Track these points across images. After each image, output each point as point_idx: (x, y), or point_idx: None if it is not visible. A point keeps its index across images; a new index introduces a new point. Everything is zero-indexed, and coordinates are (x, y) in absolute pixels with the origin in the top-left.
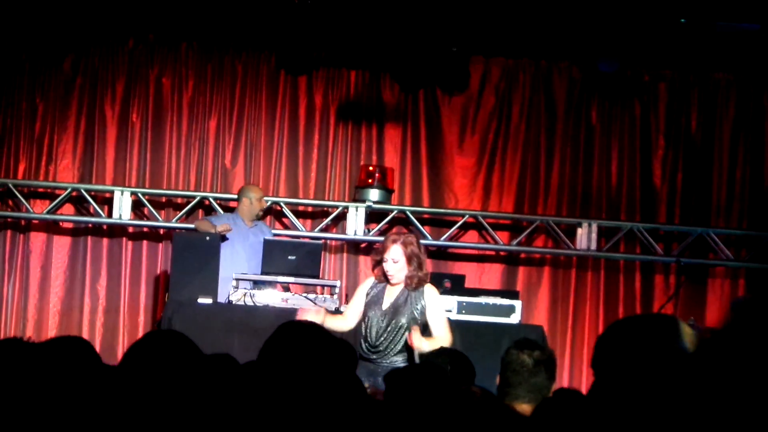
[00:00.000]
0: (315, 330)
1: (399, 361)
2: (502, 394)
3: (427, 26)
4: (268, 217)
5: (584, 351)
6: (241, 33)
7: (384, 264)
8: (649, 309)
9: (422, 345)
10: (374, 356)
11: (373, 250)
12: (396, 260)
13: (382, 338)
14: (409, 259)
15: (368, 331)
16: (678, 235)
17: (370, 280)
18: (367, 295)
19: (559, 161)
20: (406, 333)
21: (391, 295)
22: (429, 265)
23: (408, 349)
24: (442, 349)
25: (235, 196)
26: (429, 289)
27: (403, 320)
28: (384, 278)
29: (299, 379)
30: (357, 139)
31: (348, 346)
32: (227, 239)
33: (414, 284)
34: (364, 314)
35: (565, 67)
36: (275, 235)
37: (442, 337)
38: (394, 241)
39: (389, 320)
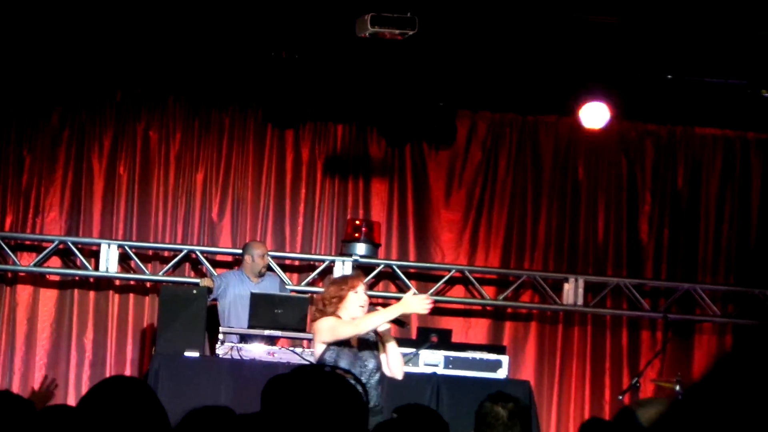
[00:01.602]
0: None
1: (374, 402)
2: None
3: (414, 81)
4: None
5: (571, 406)
6: (228, 86)
7: (360, 298)
8: (635, 364)
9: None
10: None
11: (332, 287)
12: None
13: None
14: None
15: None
16: (665, 290)
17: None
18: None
19: (545, 216)
20: (376, 376)
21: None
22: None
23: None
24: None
25: (222, 250)
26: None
27: (371, 362)
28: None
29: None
30: (344, 192)
31: (359, 399)
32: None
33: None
34: (334, 363)
35: (551, 121)
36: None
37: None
38: (360, 276)
39: (362, 363)
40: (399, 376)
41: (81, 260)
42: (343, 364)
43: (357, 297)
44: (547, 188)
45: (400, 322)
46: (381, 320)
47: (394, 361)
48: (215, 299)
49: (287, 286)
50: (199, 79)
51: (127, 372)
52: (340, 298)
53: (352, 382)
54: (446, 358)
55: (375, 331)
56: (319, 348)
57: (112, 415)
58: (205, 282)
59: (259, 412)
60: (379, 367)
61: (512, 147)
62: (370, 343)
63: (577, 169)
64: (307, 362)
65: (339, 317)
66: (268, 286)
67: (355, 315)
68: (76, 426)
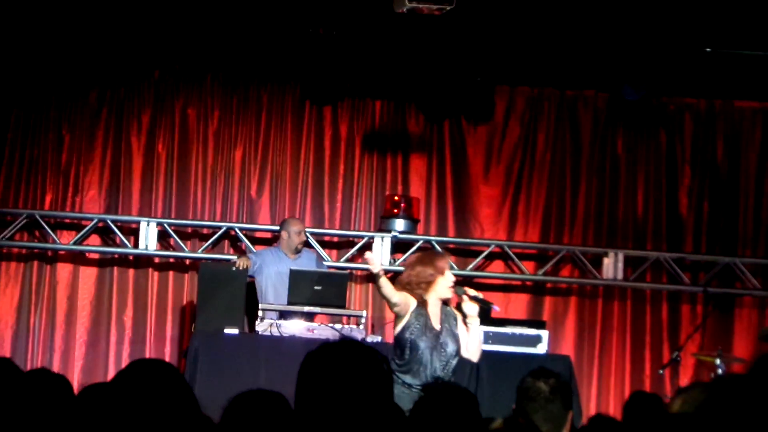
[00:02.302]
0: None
1: None
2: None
3: (452, 56)
4: None
5: (611, 381)
6: (266, 64)
7: (448, 280)
8: (676, 338)
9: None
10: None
11: (419, 266)
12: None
13: (438, 369)
14: None
15: (424, 363)
16: (705, 264)
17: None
18: (411, 317)
19: (584, 191)
20: (454, 360)
21: (435, 317)
22: None
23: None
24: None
25: (261, 227)
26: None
27: (451, 346)
28: (422, 300)
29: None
30: (382, 169)
31: (382, 369)
32: (252, 273)
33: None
34: (411, 343)
35: (590, 96)
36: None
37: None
38: (446, 255)
39: (442, 347)
40: (475, 359)
41: (120, 238)
42: (423, 345)
43: (446, 279)
44: (586, 163)
45: (485, 303)
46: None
47: (473, 343)
48: (251, 276)
49: (325, 262)
50: (237, 56)
51: (167, 349)
52: (429, 283)
53: (378, 357)
54: (486, 333)
55: (461, 312)
56: (399, 325)
57: (139, 399)
58: (240, 263)
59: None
60: (458, 352)
61: (551, 122)
62: (452, 327)
63: (616, 143)
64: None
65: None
66: (305, 262)
67: (445, 296)
68: (106, 407)
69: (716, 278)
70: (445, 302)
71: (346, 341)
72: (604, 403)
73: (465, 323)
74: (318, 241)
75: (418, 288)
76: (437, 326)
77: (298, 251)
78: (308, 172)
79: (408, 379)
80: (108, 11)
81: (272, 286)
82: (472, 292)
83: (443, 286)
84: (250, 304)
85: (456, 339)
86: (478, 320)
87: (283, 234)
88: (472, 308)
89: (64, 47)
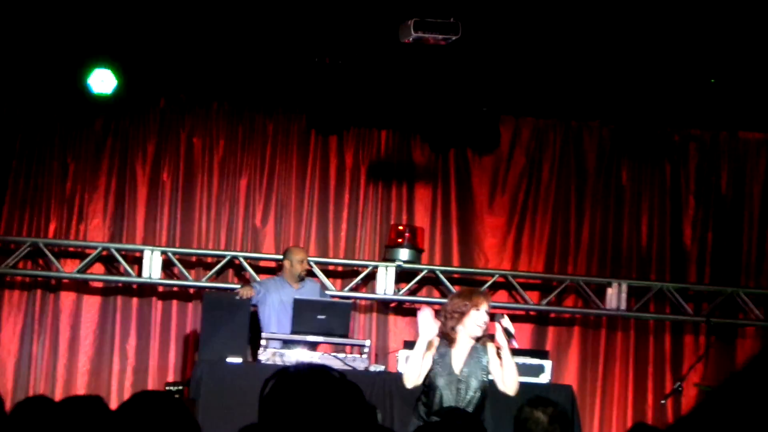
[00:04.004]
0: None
1: None
2: None
3: (458, 86)
4: None
5: (614, 411)
6: (271, 93)
7: (481, 317)
8: (678, 369)
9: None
10: None
11: (457, 298)
12: (488, 314)
13: (460, 401)
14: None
15: (437, 399)
16: (708, 294)
17: (436, 340)
18: (435, 357)
19: (589, 221)
20: (477, 395)
21: (459, 357)
22: None
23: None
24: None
25: (265, 256)
26: (491, 345)
27: (475, 383)
28: (448, 339)
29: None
30: (387, 198)
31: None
32: (255, 302)
33: (482, 341)
34: (430, 380)
35: (595, 126)
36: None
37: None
38: (486, 295)
39: (462, 385)
40: (511, 392)
41: (124, 267)
42: (441, 382)
43: (479, 315)
44: (591, 193)
45: (510, 336)
46: (416, 354)
47: (509, 376)
48: (255, 305)
49: (328, 292)
50: (243, 85)
51: (170, 378)
52: (462, 314)
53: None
54: None
55: (494, 345)
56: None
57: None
58: (243, 292)
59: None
60: (481, 388)
61: (556, 152)
62: (480, 362)
63: (620, 173)
64: (349, 368)
65: (453, 335)
66: (308, 292)
67: (473, 333)
68: None
69: (719, 309)
70: (478, 339)
71: (306, 368)
72: None
73: (498, 355)
74: (322, 270)
75: (451, 320)
76: (459, 366)
77: (301, 279)
78: (313, 201)
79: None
80: (114, 39)
81: (275, 315)
82: (506, 322)
83: (474, 320)
84: (253, 333)
85: (480, 376)
86: (509, 352)
87: (286, 263)
88: (503, 340)
89: (70, 75)
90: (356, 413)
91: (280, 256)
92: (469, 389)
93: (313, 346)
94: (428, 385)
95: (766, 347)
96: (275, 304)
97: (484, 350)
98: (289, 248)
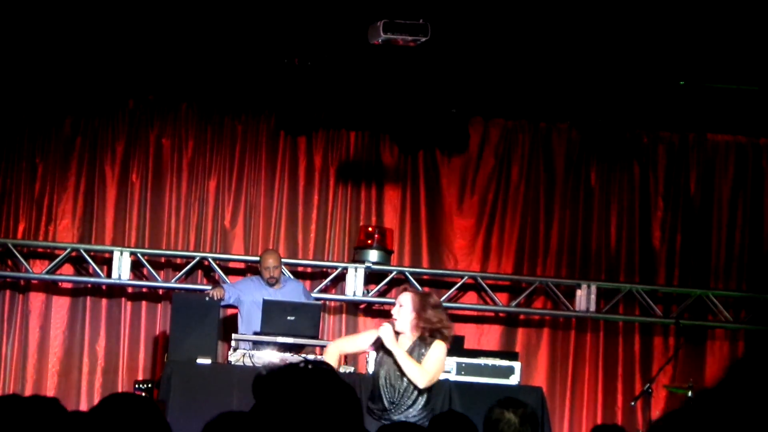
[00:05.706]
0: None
1: (412, 414)
2: None
3: (427, 88)
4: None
5: (583, 413)
6: (240, 94)
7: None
8: (648, 370)
9: (391, 344)
10: (386, 413)
11: (444, 313)
12: (402, 304)
13: (394, 393)
14: (417, 309)
15: (380, 388)
16: (677, 296)
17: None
18: (377, 348)
19: (558, 222)
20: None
21: (400, 347)
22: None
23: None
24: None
25: (235, 257)
26: (437, 344)
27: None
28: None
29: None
30: (356, 199)
31: (353, 396)
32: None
33: (425, 335)
34: (375, 371)
35: (564, 128)
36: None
37: (421, 370)
38: (406, 289)
39: (399, 374)
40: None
41: (93, 268)
42: (382, 372)
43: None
44: (560, 195)
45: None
46: (400, 357)
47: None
48: (230, 306)
49: (313, 294)
50: (212, 86)
51: (140, 379)
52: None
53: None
54: (458, 364)
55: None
56: (436, 364)
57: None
58: (214, 293)
59: (253, 408)
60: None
61: (525, 154)
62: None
63: (589, 175)
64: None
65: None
66: (289, 292)
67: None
68: None
69: (688, 310)
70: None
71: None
72: None
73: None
74: (292, 272)
75: (447, 329)
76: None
77: (273, 283)
78: (282, 202)
79: (370, 404)
80: (82, 40)
81: (254, 316)
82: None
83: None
84: (230, 334)
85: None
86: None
87: (259, 266)
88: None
89: (38, 76)
90: (351, 413)
91: (250, 258)
92: (405, 379)
93: (282, 347)
94: (373, 377)
95: (751, 351)
96: (252, 305)
97: (426, 347)
98: (264, 251)
